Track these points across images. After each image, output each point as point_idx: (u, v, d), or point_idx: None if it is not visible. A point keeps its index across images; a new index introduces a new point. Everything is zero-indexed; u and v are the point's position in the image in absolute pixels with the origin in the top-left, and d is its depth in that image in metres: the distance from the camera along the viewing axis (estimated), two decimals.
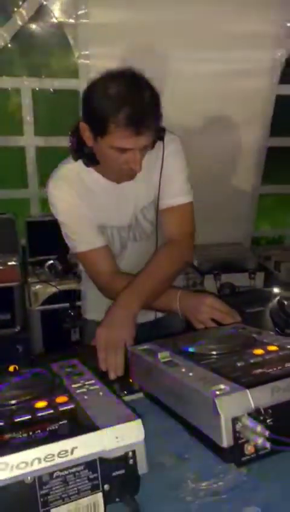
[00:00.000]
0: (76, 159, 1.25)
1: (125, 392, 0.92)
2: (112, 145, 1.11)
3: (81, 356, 1.05)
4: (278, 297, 1.32)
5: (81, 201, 1.27)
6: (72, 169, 1.28)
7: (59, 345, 2.47)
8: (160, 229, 1.35)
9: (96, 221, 1.31)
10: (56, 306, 2.50)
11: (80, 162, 1.26)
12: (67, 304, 2.46)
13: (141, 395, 0.90)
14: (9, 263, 2.69)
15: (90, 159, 1.22)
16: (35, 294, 2.53)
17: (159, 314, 1.44)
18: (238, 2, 2.41)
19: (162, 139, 1.23)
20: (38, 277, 2.56)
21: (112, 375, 0.98)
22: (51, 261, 2.56)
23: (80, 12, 2.40)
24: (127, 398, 0.90)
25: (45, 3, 2.48)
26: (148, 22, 2.38)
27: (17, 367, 0.95)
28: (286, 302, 1.27)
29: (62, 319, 2.48)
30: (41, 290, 2.52)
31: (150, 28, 2.39)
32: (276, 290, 1.43)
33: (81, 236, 1.30)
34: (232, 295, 2.02)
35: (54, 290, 2.50)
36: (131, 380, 0.94)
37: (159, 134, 1.21)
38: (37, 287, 2.52)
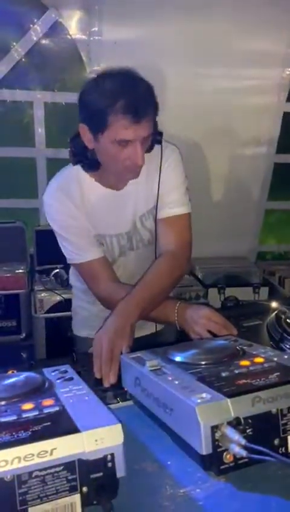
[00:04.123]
0: (75, 163, 1.25)
1: (118, 399, 0.93)
2: (113, 139, 1.11)
3: (79, 363, 1.07)
4: (276, 312, 1.33)
5: (79, 212, 1.27)
6: (71, 180, 1.27)
7: (62, 352, 2.49)
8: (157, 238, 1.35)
9: (95, 231, 1.31)
10: (60, 314, 2.52)
11: (78, 171, 1.26)
12: (71, 313, 2.49)
13: (132, 402, 0.91)
14: (17, 271, 2.75)
15: (91, 163, 1.21)
16: (41, 302, 2.57)
17: (159, 327, 1.43)
18: (249, 22, 2.46)
19: (160, 142, 1.22)
20: (44, 285, 2.60)
21: (106, 383, 1.00)
22: (57, 270, 2.60)
23: (93, 29, 2.48)
24: (119, 405, 0.91)
25: (59, 20, 2.57)
26: (159, 39, 2.45)
27: (15, 371, 0.98)
28: (283, 316, 1.27)
29: (66, 327, 2.50)
30: (47, 298, 2.56)
31: (161, 45, 2.45)
32: (274, 304, 1.43)
33: (79, 248, 1.30)
34: (231, 308, 2.02)
35: (58, 298, 2.54)
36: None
37: (157, 138, 1.21)
38: (43, 294, 2.57)
